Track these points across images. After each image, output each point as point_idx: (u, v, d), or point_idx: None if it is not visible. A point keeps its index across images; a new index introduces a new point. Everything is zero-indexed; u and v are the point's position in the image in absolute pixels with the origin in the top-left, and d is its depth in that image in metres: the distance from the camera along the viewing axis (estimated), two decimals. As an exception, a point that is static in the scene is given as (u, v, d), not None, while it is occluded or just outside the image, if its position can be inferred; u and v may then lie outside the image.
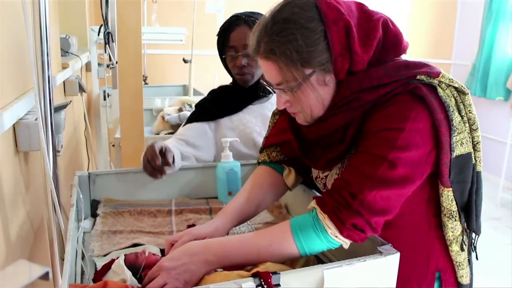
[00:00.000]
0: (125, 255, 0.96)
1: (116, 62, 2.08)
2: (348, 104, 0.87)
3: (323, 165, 0.98)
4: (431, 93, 0.85)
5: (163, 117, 2.43)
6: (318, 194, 1.17)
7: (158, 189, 1.35)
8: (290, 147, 1.06)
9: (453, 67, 5.33)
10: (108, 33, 2.46)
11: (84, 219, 1.20)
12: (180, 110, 2.50)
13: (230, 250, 0.85)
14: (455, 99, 0.89)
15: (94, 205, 1.29)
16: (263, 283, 0.73)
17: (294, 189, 1.17)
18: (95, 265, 1.00)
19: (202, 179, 1.42)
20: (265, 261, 0.84)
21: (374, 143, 0.84)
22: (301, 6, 0.85)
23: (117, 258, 0.94)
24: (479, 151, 0.93)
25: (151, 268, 0.87)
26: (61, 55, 2.21)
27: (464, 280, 0.98)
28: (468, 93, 0.90)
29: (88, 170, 1.95)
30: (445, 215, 0.92)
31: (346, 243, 0.83)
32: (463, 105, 0.90)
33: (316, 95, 0.88)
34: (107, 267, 0.94)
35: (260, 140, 1.51)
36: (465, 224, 0.95)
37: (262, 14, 1.47)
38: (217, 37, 1.51)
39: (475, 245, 0.99)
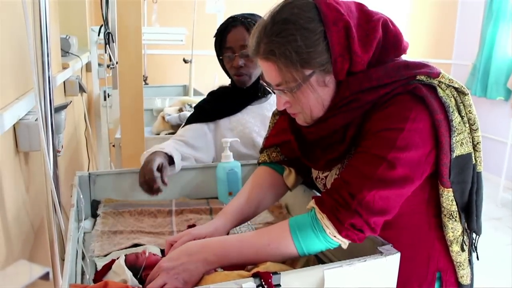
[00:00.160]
0: (125, 255, 0.96)
1: (117, 62, 2.08)
2: (348, 104, 0.87)
3: (323, 166, 0.98)
4: (431, 94, 0.85)
5: (163, 117, 2.43)
6: (318, 194, 1.17)
7: (159, 189, 1.35)
8: (290, 147, 1.06)
9: (454, 67, 5.33)
10: (109, 33, 2.46)
11: (85, 219, 1.20)
12: (180, 110, 2.49)
13: (228, 249, 0.85)
14: (455, 99, 0.89)
15: (95, 205, 1.29)
16: (263, 283, 0.73)
17: (294, 189, 1.17)
18: (96, 265, 1.00)
19: (202, 179, 1.42)
20: (264, 261, 0.84)
21: (373, 143, 0.84)
22: (300, 6, 0.85)
23: (118, 258, 0.94)
24: (479, 151, 0.93)
25: (151, 269, 0.87)
26: (62, 56, 2.21)
27: (465, 281, 0.98)
28: (468, 94, 0.90)
29: (88, 170, 1.95)
30: (445, 215, 0.92)
31: (344, 243, 0.83)
32: (463, 105, 0.90)
33: (316, 96, 0.88)
34: (108, 267, 0.94)
35: (259, 140, 1.51)
36: (466, 225, 0.95)
37: (259, 16, 1.48)
38: (214, 39, 1.51)
39: (475, 245, 0.99)
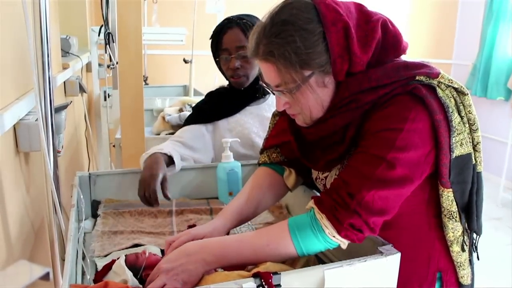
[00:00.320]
0: (125, 255, 0.96)
1: (117, 63, 2.08)
2: (347, 105, 0.87)
3: (323, 166, 0.98)
4: (431, 94, 0.85)
5: (163, 118, 2.43)
6: (318, 195, 1.17)
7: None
8: (290, 148, 1.06)
9: (454, 67, 5.33)
10: (109, 33, 2.46)
11: (85, 220, 1.21)
12: (180, 110, 2.49)
13: (227, 250, 0.85)
14: (454, 99, 0.89)
15: (95, 205, 1.29)
16: (263, 283, 0.73)
17: (294, 190, 1.17)
18: (96, 265, 1.00)
19: (202, 179, 1.42)
20: (263, 261, 0.84)
21: (373, 143, 0.84)
22: (299, 7, 0.85)
23: (118, 258, 0.95)
24: (479, 151, 0.93)
25: (151, 269, 0.87)
26: (62, 56, 2.21)
27: (465, 281, 0.98)
28: (467, 94, 0.90)
29: (88, 170, 1.96)
30: (445, 215, 0.92)
31: (344, 243, 0.83)
32: (463, 105, 0.90)
33: (315, 97, 0.88)
34: (108, 267, 0.94)
35: (258, 140, 1.51)
36: (466, 225, 0.95)
37: (255, 17, 1.48)
38: (210, 41, 1.51)
39: (476, 245, 0.99)
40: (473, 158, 0.92)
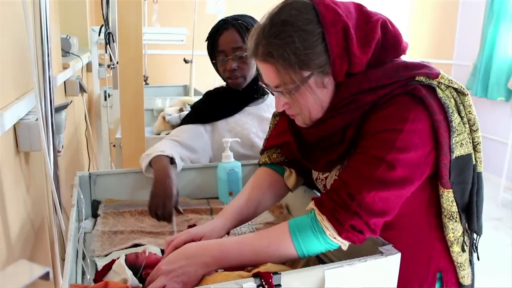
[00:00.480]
0: (125, 255, 0.96)
1: (117, 62, 2.08)
2: (347, 105, 0.87)
3: (322, 167, 0.97)
4: (430, 94, 0.85)
5: (164, 118, 2.43)
6: (319, 195, 1.16)
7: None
8: (290, 148, 1.06)
9: (454, 67, 5.33)
10: (109, 33, 2.46)
11: (85, 219, 1.21)
12: (181, 110, 2.49)
13: (227, 252, 0.85)
14: (454, 100, 0.89)
15: (95, 205, 1.29)
16: (263, 283, 0.73)
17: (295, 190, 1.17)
18: (96, 265, 1.00)
19: (203, 179, 1.42)
20: (264, 262, 0.84)
21: (372, 144, 0.84)
22: (298, 8, 0.85)
23: (118, 258, 0.94)
24: (479, 151, 0.93)
25: (151, 268, 0.87)
26: (62, 56, 2.21)
27: (466, 281, 0.98)
28: (468, 94, 0.90)
29: (88, 170, 1.95)
30: (445, 216, 0.92)
31: (344, 244, 0.83)
32: (463, 106, 0.90)
33: (314, 98, 0.87)
34: (108, 267, 0.94)
35: (257, 141, 1.51)
36: (466, 225, 0.95)
37: (250, 17, 1.47)
38: (206, 42, 1.50)
39: (476, 245, 0.99)
40: (473, 158, 0.91)
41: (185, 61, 3.35)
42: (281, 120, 1.14)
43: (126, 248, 1.07)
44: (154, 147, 1.38)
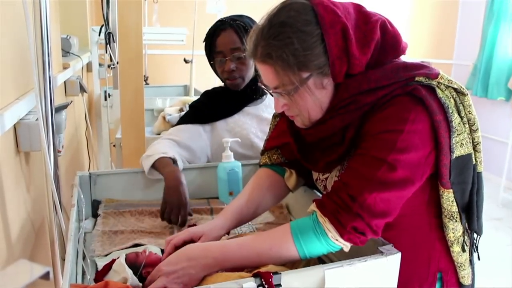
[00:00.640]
0: (126, 254, 0.96)
1: (117, 62, 2.08)
2: (347, 106, 0.87)
3: (322, 168, 0.97)
4: (430, 95, 0.85)
5: (164, 117, 2.43)
6: (319, 195, 1.17)
7: (159, 189, 1.35)
8: (291, 149, 1.06)
9: (455, 67, 5.32)
10: (109, 33, 2.46)
11: (85, 219, 1.21)
12: (181, 110, 2.50)
13: (229, 254, 0.85)
14: (454, 100, 0.89)
15: (95, 205, 1.29)
16: (264, 283, 0.73)
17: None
18: (96, 265, 1.00)
19: (203, 179, 1.42)
20: (265, 264, 0.84)
21: (373, 145, 0.84)
22: (297, 9, 0.84)
23: (118, 258, 0.95)
24: (479, 151, 0.93)
25: (151, 267, 0.87)
26: (62, 56, 2.21)
27: (466, 281, 0.98)
28: (467, 94, 0.90)
29: (89, 170, 1.95)
30: (445, 216, 0.92)
31: (346, 246, 0.83)
32: (463, 106, 0.90)
33: (313, 99, 0.87)
34: (108, 267, 0.94)
35: (257, 141, 1.51)
36: (466, 225, 0.95)
37: (247, 17, 1.47)
38: (203, 43, 1.50)
39: (476, 245, 0.99)
40: (473, 158, 0.91)
41: (185, 61, 3.35)
42: (281, 121, 1.13)
43: (126, 248, 1.07)
44: (153, 148, 1.38)
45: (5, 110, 1.03)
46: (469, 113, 0.90)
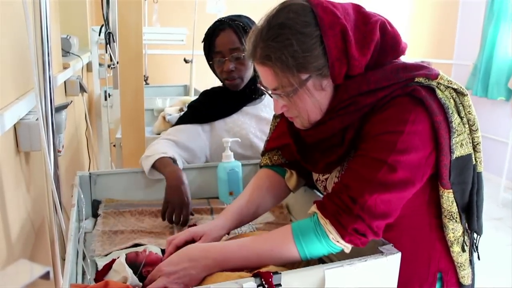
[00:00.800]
0: (126, 254, 0.96)
1: (117, 62, 2.08)
2: (346, 108, 0.87)
3: (322, 169, 0.97)
4: (430, 95, 0.85)
5: (164, 117, 2.43)
6: (319, 195, 1.17)
7: (160, 189, 1.35)
8: (291, 150, 1.06)
9: (455, 67, 5.32)
10: (109, 33, 2.46)
11: (85, 219, 1.21)
12: (181, 110, 2.50)
13: (230, 255, 0.85)
14: (454, 100, 0.89)
15: (95, 205, 1.29)
16: (264, 283, 0.73)
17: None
18: (96, 265, 1.00)
19: (203, 179, 1.42)
20: (266, 265, 0.84)
21: (373, 147, 0.84)
22: (296, 11, 0.84)
23: (118, 258, 0.95)
24: (479, 152, 0.93)
25: (151, 266, 0.87)
26: (62, 55, 2.21)
27: (466, 281, 0.98)
28: (467, 94, 0.90)
29: (89, 170, 1.95)
30: (445, 216, 0.92)
31: (347, 247, 0.83)
32: (463, 106, 0.89)
33: (313, 100, 0.87)
34: (109, 267, 0.94)
35: (256, 141, 1.51)
36: (466, 225, 0.95)
37: (246, 17, 1.47)
38: (202, 43, 1.50)
39: (477, 245, 0.99)
40: (473, 158, 0.91)
41: (185, 61, 3.35)
42: (282, 121, 1.13)
43: (127, 248, 1.07)
44: (152, 148, 1.38)
45: (5, 110, 1.03)
46: (469, 114, 0.90)
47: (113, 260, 0.95)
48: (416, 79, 0.86)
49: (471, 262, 0.99)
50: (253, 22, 1.45)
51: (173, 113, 2.45)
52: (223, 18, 1.47)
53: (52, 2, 1.85)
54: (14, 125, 1.14)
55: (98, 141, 3.22)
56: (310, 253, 0.84)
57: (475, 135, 0.91)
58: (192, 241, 0.96)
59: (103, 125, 2.92)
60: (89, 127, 2.72)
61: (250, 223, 1.20)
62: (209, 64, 1.51)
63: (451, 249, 0.95)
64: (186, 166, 1.40)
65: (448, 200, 0.90)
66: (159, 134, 2.39)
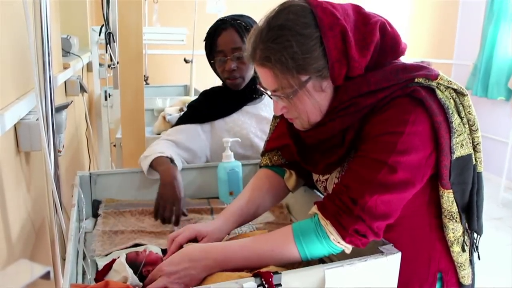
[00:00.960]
0: (126, 254, 0.96)
1: (117, 62, 2.08)
2: (346, 109, 0.87)
3: (322, 170, 0.97)
4: (430, 96, 0.85)
5: (164, 117, 2.43)
6: (319, 195, 1.17)
7: (159, 189, 1.35)
8: (291, 151, 1.06)
9: (455, 67, 5.32)
10: (109, 33, 2.46)
11: (86, 219, 1.21)
12: (181, 110, 2.50)
13: (231, 255, 0.85)
14: (454, 100, 0.89)
15: (95, 205, 1.29)
16: (264, 282, 0.73)
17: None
18: (96, 265, 1.00)
19: (203, 179, 1.42)
20: (267, 265, 0.84)
21: (373, 147, 0.84)
22: (296, 12, 0.84)
23: (118, 257, 0.95)
24: (479, 152, 0.93)
25: (151, 265, 0.87)
26: (62, 55, 2.21)
27: (466, 281, 0.98)
28: (467, 95, 0.90)
29: (89, 170, 1.95)
30: (445, 216, 0.92)
31: (348, 248, 0.83)
32: (463, 106, 0.89)
33: (312, 102, 0.87)
34: (109, 266, 0.94)
35: (256, 140, 1.51)
36: (466, 225, 0.95)
37: (248, 17, 1.46)
38: (204, 42, 1.50)
39: (477, 245, 0.99)
40: (473, 158, 0.91)
41: (186, 61, 3.35)
42: (282, 122, 1.13)
43: (127, 247, 1.07)
44: (151, 148, 1.38)
45: (6, 110, 1.03)
46: (469, 114, 0.90)
47: (113, 260, 0.95)
48: (416, 80, 0.86)
49: (471, 262, 0.99)
50: (255, 22, 1.45)
51: (173, 113, 2.45)
52: (225, 17, 1.47)
53: (52, 2, 1.85)
54: (15, 125, 1.14)
55: (98, 141, 3.22)
56: (311, 253, 0.84)
57: (475, 135, 0.91)
58: (195, 239, 0.96)
59: (103, 125, 2.92)
60: (89, 127, 2.72)
61: (250, 223, 1.20)
62: (210, 63, 1.51)
63: (451, 249, 0.95)
64: (186, 166, 1.40)
65: (448, 200, 0.90)
66: (159, 134, 2.39)
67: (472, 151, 0.91)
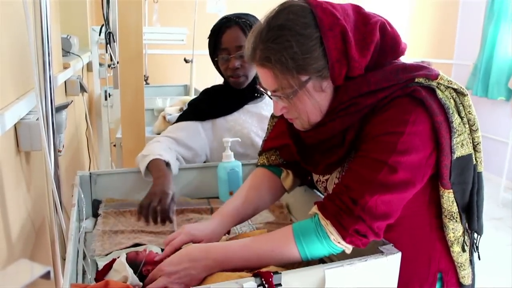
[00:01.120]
0: (126, 254, 0.96)
1: (117, 62, 2.09)
2: (347, 109, 0.87)
3: (322, 170, 0.97)
4: (430, 96, 0.85)
5: (164, 117, 2.43)
6: (319, 195, 1.17)
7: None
8: (289, 151, 1.06)
9: (455, 67, 5.32)
10: (109, 33, 2.46)
11: (86, 219, 1.21)
12: (181, 110, 2.50)
13: (231, 255, 0.85)
14: (454, 100, 0.89)
15: (96, 205, 1.29)
16: (264, 282, 0.73)
17: (295, 189, 1.17)
18: (97, 265, 1.00)
19: (203, 179, 1.42)
20: (267, 265, 0.84)
21: (374, 148, 0.84)
22: (296, 12, 0.84)
23: (118, 257, 0.95)
24: (479, 151, 0.93)
25: (151, 265, 0.87)
26: (63, 55, 2.21)
27: (466, 281, 0.98)
28: (467, 94, 0.90)
29: (89, 170, 1.96)
30: (445, 216, 0.92)
31: (348, 248, 0.83)
32: (463, 106, 0.89)
33: (312, 102, 0.87)
34: (109, 266, 0.94)
35: (257, 140, 1.51)
36: (467, 225, 0.95)
37: (252, 15, 1.46)
38: (208, 40, 1.50)
39: (477, 245, 0.99)
40: (473, 158, 0.91)
41: (186, 60, 3.35)
42: (280, 121, 1.13)
43: (127, 247, 1.07)
44: (150, 148, 1.37)
45: (6, 110, 1.03)
46: (469, 113, 0.90)
47: (114, 260, 0.95)
48: (416, 80, 0.86)
49: (471, 262, 0.99)
50: (259, 21, 1.45)
51: (173, 112, 2.45)
52: (230, 15, 1.47)
53: (52, 2, 1.85)
54: (15, 125, 1.14)
55: (98, 141, 3.22)
56: (311, 253, 0.84)
57: (475, 135, 0.91)
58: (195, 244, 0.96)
59: (103, 125, 2.92)
60: (90, 127, 2.72)
61: (250, 222, 1.20)
62: (214, 61, 1.50)
63: (451, 249, 0.95)
64: (186, 166, 1.40)
65: (449, 200, 0.90)
66: (159, 134, 2.38)
67: (473, 151, 0.91)
